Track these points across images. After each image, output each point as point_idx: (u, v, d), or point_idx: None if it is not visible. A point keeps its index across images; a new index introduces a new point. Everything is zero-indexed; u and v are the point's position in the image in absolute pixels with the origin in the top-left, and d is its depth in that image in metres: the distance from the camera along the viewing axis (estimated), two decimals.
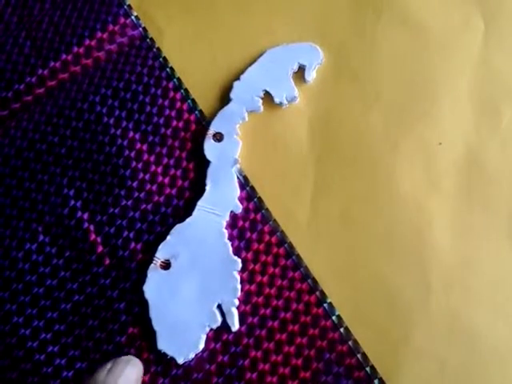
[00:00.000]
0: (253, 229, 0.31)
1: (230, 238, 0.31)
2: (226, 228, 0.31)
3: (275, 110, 0.33)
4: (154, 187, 0.32)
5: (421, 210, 0.31)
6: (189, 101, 0.33)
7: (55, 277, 0.31)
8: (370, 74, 0.34)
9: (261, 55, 0.34)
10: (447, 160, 0.32)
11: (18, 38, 0.35)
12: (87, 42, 0.35)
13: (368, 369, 0.29)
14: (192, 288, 0.30)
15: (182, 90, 0.34)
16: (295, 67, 0.34)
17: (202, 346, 0.29)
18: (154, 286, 0.30)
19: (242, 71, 0.34)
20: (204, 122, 0.33)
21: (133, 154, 0.33)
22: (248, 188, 0.32)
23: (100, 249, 0.31)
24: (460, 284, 0.30)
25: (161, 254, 0.30)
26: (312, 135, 0.33)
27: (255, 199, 0.32)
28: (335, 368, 0.29)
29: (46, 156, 0.33)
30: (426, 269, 0.30)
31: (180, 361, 0.29)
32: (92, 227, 0.31)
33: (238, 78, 0.33)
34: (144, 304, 0.30)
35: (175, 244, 0.31)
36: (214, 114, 0.33)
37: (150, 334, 0.29)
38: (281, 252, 0.31)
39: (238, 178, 0.32)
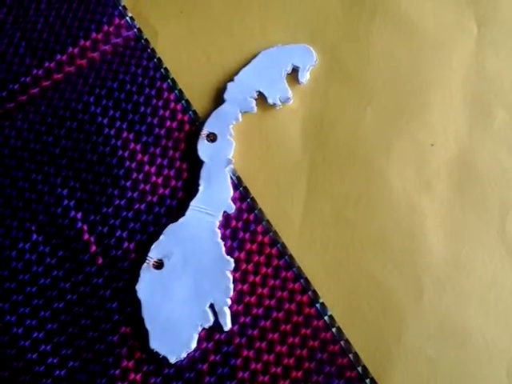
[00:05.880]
0: (246, 229, 0.31)
1: (223, 238, 0.31)
2: (218, 228, 0.31)
3: (269, 111, 0.33)
4: (148, 187, 0.32)
5: (413, 211, 0.31)
6: (183, 101, 0.34)
7: (48, 276, 0.31)
8: (363, 76, 0.34)
9: (255, 56, 0.34)
10: (439, 161, 0.32)
11: (13, 39, 0.35)
12: (82, 42, 0.35)
13: (360, 369, 0.29)
14: (184, 287, 0.30)
15: (176, 91, 0.34)
16: (289, 68, 0.34)
17: (194, 345, 0.29)
18: (147, 285, 0.30)
19: (236, 72, 0.34)
20: (198, 123, 0.33)
21: (126, 154, 0.33)
22: (241, 188, 0.32)
23: (93, 248, 0.31)
24: (451, 284, 0.30)
25: (154, 254, 0.30)
26: (305, 136, 0.33)
27: (248, 199, 0.32)
28: (327, 368, 0.29)
29: (40, 156, 0.33)
30: (418, 269, 0.30)
31: (172, 360, 0.29)
32: (85, 227, 0.32)
33: (231, 79, 0.34)
34: (136, 303, 0.30)
35: (168, 244, 0.31)
36: (207, 115, 0.33)
37: (142, 334, 0.29)
38: (273, 252, 0.31)
39: (231, 178, 0.32)
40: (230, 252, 0.31)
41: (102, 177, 0.32)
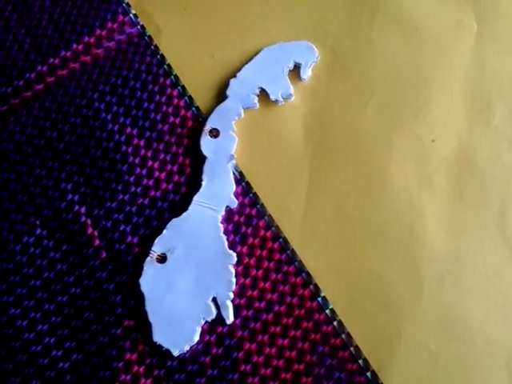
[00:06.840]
0: (248, 223, 0.32)
1: (226, 233, 0.31)
2: (221, 222, 0.31)
3: (271, 107, 0.34)
4: (151, 182, 0.32)
5: (414, 206, 0.31)
6: (186, 97, 0.34)
7: (52, 269, 0.31)
8: (364, 73, 0.34)
9: (257, 53, 0.34)
10: (440, 156, 0.32)
11: (17, 35, 0.35)
12: (86, 39, 0.35)
13: (361, 361, 0.29)
14: (187, 281, 0.30)
15: (179, 87, 0.34)
16: (291, 65, 0.34)
17: (196, 338, 0.30)
18: (150, 279, 0.30)
19: (239, 69, 0.34)
20: (200, 119, 0.33)
21: (130, 150, 0.33)
22: (243, 183, 0.32)
23: (97, 242, 0.31)
24: (452, 278, 0.30)
25: (157, 248, 0.31)
26: (307, 132, 0.33)
27: (251, 194, 0.32)
28: (328, 360, 0.29)
29: (45, 151, 0.33)
30: (419, 263, 0.30)
31: (175, 353, 0.29)
32: (89, 221, 0.32)
33: (234, 76, 0.34)
34: (140, 297, 0.30)
35: (171, 238, 0.31)
36: (210, 111, 0.33)
37: (145, 327, 0.30)
38: (275, 246, 0.31)
39: (233, 173, 0.32)
40: (232, 246, 0.31)
41: (106, 172, 0.33)
